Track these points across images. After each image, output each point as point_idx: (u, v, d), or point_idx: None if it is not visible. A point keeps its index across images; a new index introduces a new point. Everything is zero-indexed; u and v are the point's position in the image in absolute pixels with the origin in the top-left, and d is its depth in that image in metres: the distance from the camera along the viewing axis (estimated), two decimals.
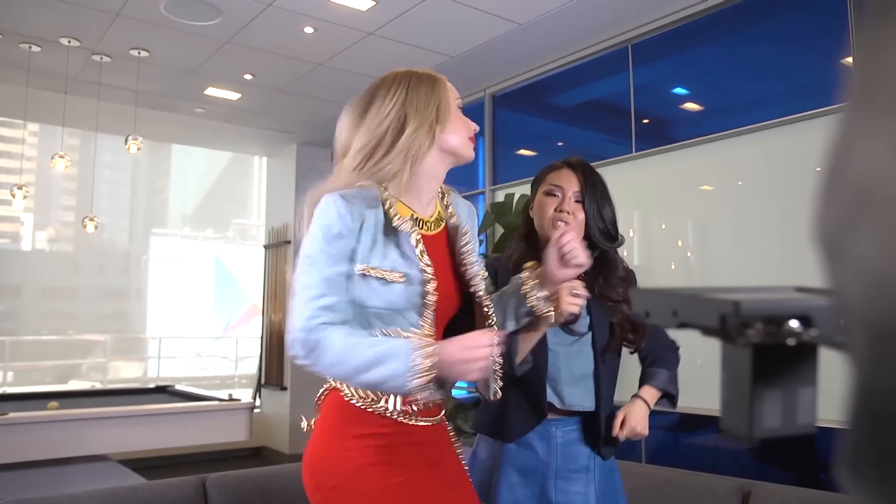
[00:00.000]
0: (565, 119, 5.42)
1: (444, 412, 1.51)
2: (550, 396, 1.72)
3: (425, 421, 1.43)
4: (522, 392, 1.71)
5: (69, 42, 4.88)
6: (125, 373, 7.25)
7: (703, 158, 4.08)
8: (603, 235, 1.76)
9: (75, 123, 6.00)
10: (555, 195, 1.75)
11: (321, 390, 1.46)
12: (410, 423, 1.40)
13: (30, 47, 4.99)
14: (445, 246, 1.52)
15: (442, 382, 1.33)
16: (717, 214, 4.03)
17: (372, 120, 1.45)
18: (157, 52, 5.10)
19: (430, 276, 1.38)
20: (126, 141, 5.28)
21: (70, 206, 6.84)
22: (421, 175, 1.46)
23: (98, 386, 6.25)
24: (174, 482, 2.39)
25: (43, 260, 6.73)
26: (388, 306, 1.36)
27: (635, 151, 4.38)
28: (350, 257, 1.35)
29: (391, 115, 1.43)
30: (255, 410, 5.33)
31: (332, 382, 1.42)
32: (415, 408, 1.40)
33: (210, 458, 5.80)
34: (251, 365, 7.66)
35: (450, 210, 1.56)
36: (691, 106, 4.43)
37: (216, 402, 4.33)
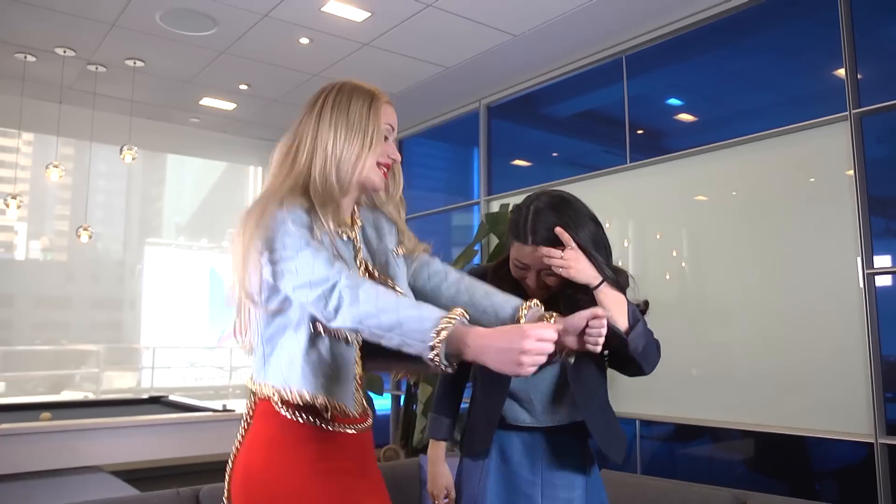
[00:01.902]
0: (560, 130, 5.44)
1: (370, 419, 1.49)
2: (522, 415, 1.73)
3: (353, 429, 1.42)
4: (482, 411, 1.77)
5: (65, 52, 4.89)
6: (119, 383, 7.20)
7: (698, 169, 4.09)
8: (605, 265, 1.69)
9: (70, 133, 5.99)
10: (522, 269, 1.70)
11: (250, 401, 1.44)
12: (345, 431, 1.39)
13: (25, 57, 4.99)
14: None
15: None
16: (711, 225, 4.04)
17: (303, 129, 1.46)
18: (152, 63, 5.11)
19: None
20: (121, 151, 5.28)
21: (64, 215, 6.81)
22: (343, 191, 1.44)
23: (91, 396, 6.21)
24: (168, 494, 2.38)
25: (36, 269, 6.70)
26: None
27: (630, 162, 4.39)
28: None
29: (322, 127, 1.43)
30: None
31: (264, 393, 1.38)
32: (349, 414, 1.39)
33: (204, 469, 5.75)
34: (245, 375, 7.64)
35: (359, 223, 1.53)
36: (685, 117, 4.45)
37: (210, 413, 4.30)
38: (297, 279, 1.28)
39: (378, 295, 1.24)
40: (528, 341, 1.14)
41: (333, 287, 1.25)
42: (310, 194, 1.39)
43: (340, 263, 1.29)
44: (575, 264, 1.61)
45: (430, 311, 1.21)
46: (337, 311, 1.24)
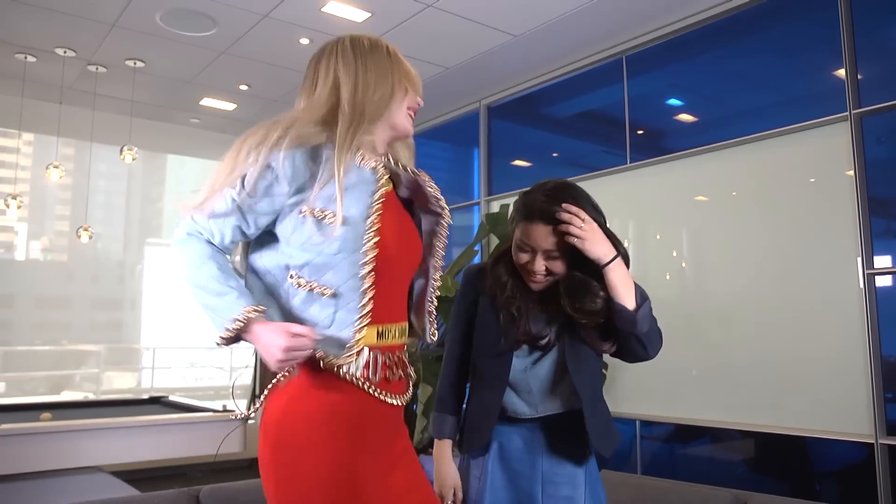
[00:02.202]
0: (560, 130, 5.44)
1: (408, 391, 1.50)
2: (523, 407, 1.72)
3: (392, 399, 1.43)
4: (481, 404, 1.75)
5: (65, 52, 4.89)
6: (119, 383, 7.20)
7: (698, 169, 4.09)
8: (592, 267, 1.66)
9: (70, 133, 6.00)
10: (525, 251, 1.66)
11: None
12: (378, 396, 1.40)
13: (25, 57, 4.99)
14: (397, 204, 1.51)
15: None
16: (711, 225, 4.04)
17: (331, 76, 1.45)
18: (152, 63, 5.11)
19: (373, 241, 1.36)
20: (121, 151, 5.28)
21: (64, 215, 6.81)
22: (370, 140, 1.45)
23: (91, 397, 6.21)
24: (168, 494, 2.38)
25: (37, 270, 6.70)
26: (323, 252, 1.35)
27: (630, 162, 4.40)
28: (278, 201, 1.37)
29: (350, 67, 1.44)
30: (250, 422, 5.29)
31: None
32: (380, 377, 1.40)
33: (204, 469, 5.76)
34: (246, 375, 7.63)
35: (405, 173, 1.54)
36: (686, 117, 4.45)
37: (210, 414, 4.30)
38: (205, 206, 1.38)
39: (205, 273, 1.36)
40: (283, 337, 1.28)
41: (198, 237, 1.38)
42: (332, 124, 1.40)
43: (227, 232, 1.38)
44: (591, 236, 1.58)
45: (233, 307, 1.33)
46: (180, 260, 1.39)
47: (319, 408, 1.35)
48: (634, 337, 1.62)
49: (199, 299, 1.36)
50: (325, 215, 1.33)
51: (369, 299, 1.35)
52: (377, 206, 1.37)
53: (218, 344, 1.35)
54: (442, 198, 1.54)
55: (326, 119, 1.40)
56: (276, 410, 1.38)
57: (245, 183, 1.35)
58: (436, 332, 1.58)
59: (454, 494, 1.77)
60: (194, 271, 1.36)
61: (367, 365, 1.38)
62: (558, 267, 1.64)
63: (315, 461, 1.33)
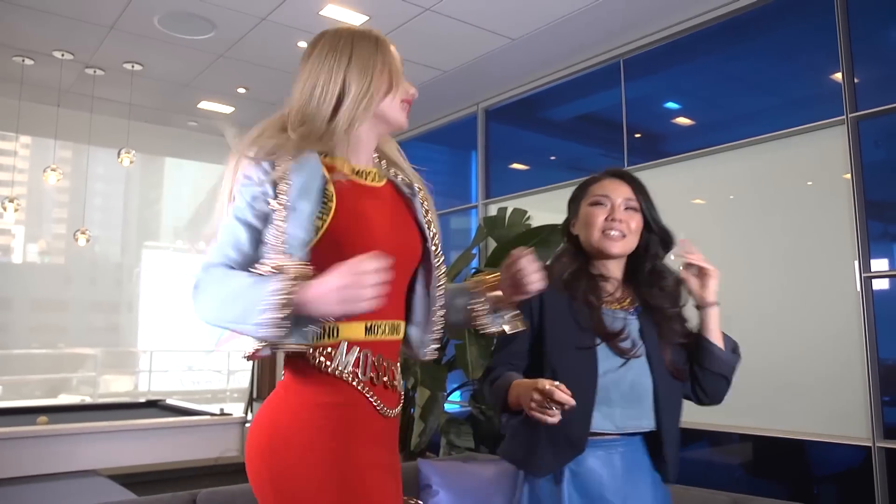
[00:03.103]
0: (558, 133, 5.44)
1: (400, 405, 1.44)
2: (601, 421, 1.52)
3: (380, 405, 1.36)
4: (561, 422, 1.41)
5: (63, 55, 4.88)
6: (116, 387, 7.18)
7: (695, 172, 4.10)
8: (661, 241, 1.69)
9: (68, 136, 5.99)
10: (602, 204, 1.64)
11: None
12: (367, 396, 1.35)
13: (23, 60, 4.99)
14: (393, 200, 1.47)
15: (304, 324, 1.21)
16: (708, 228, 4.04)
17: (310, 78, 1.40)
18: (150, 66, 5.11)
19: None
20: (119, 154, 5.27)
21: (62, 218, 6.80)
22: (355, 139, 1.41)
23: (88, 400, 6.20)
24: (165, 498, 2.37)
25: (34, 273, 6.68)
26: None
27: (627, 165, 4.40)
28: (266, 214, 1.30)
29: (332, 75, 1.38)
30: (247, 425, 5.29)
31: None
32: (370, 377, 1.35)
33: (201, 473, 5.75)
34: (243, 379, 7.61)
35: (391, 171, 1.50)
36: (683, 120, 4.46)
37: (207, 417, 4.30)
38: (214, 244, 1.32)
39: (233, 283, 1.23)
40: (340, 277, 1.15)
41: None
42: (315, 137, 1.36)
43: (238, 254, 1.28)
44: (715, 275, 1.61)
45: (272, 281, 1.18)
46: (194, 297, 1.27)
47: (309, 407, 1.31)
48: (722, 376, 1.63)
49: (234, 313, 1.21)
50: (286, 215, 1.28)
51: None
52: (330, 205, 1.31)
53: (270, 345, 1.22)
54: (412, 179, 1.49)
55: (301, 120, 1.37)
56: (265, 416, 1.35)
57: (234, 197, 1.33)
58: (435, 351, 1.49)
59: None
60: (218, 294, 1.24)
61: (356, 362, 1.33)
62: (637, 221, 1.64)
63: (312, 462, 1.29)
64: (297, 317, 1.18)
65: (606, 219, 1.62)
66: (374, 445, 1.36)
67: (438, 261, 1.48)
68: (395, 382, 1.42)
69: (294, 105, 1.40)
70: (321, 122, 1.36)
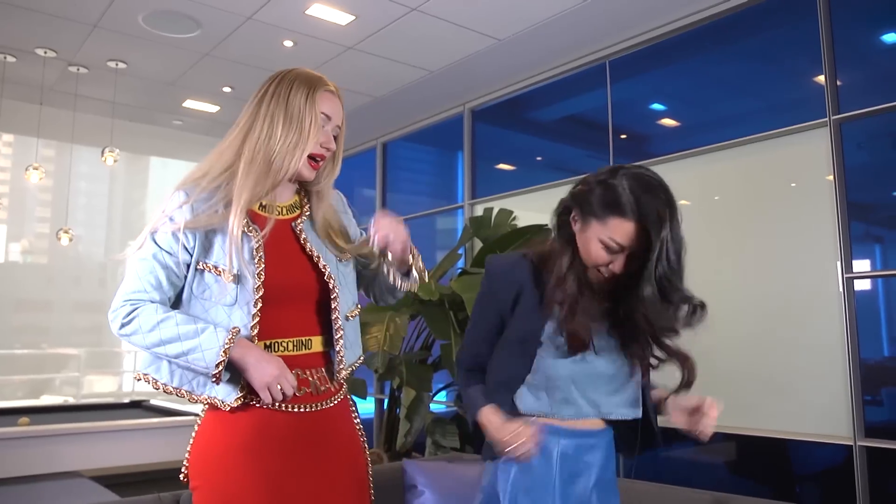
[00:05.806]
0: (544, 134, 5.46)
1: (332, 398, 1.54)
2: (585, 406, 1.54)
3: (300, 408, 1.48)
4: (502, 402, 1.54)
5: (45, 53, 4.84)
6: (99, 387, 7.13)
7: (681, 174, 4.12)
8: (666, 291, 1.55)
9: (51, 135, 5.94)
10: (613, 251, 1.50)
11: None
12: (282, 409, 1.46)
13: (5, 58, 4.94)
14: (286, 232, 1.55)
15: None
16: (694, 229, 4.05)
17: (245, 117, 1.51)
18: (135, 64, 5.07)
19: (259, 282, 1.42)
20: (102, 153, 5.23)
21: (45, 217, 6.74)
22: (274, 181, 1.50)
23: (71, 401, 6.15)
24: (148, 499, 2.35)
25: (16, 272, 6.62)
26: (220, 301, 1.42)
27: None
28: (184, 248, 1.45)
29: (260, 117, 1.48)
30: None
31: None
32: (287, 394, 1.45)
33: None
34: None
35: (306, 207, 1.59)
36: (668, 122, 4.48)
37: (192, 418, 4.27)
38: (125, 283, 1.45)
39: (166, 327, 1.39)
40: (279, 368, 1.39)
41: (135, 310, 1.40)
42: (232, 180, 1.45)
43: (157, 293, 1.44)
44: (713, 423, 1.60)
45: (217, 335, 1.37)
46: (130, 333, 1.41)
47: (223, 432, 1.48)
48: (651, 442, 1.66)
49: (172, 351, 1.38)
50: (220, 270, 1.43)
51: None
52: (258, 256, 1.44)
53: (213, 380, 1.39)
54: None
55: (233, 167, 1.47)
56: (193, 446, 1.57)
57: (157, 240, 1.47)
58: (345, 371, 1.57)
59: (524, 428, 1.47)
60: (154, 333, 1.39)
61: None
62: (631, 267, 1.51)
63: (232, 483, 1.44)
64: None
65: (612, 264, 1.52)
66: (294, 444, 1.46)
67: (334, 290, 1.54)
68: (310, 389, 1.50)
69: (228, 147, 1.52)
70: (247, 169, 1.48)
